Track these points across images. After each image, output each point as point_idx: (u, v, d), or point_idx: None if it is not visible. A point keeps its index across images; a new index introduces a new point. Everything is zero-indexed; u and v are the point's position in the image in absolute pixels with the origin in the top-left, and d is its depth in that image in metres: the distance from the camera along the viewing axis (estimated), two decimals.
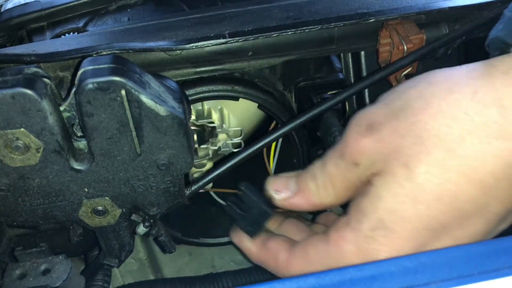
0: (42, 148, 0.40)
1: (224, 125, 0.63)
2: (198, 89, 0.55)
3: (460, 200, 0.38)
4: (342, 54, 0.61)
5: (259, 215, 0.48)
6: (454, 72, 0.41)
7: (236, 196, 0.48)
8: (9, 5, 0.72)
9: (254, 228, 0.48)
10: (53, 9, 0.67)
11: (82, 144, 0.43)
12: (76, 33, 0.63)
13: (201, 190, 0.53)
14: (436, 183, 0.38)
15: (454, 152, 0.38)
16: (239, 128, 0.64)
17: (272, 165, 0.64)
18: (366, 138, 0.41)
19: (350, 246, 0.41)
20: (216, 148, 0.65)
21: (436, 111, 0.39)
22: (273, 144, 0.63)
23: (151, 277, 0.80)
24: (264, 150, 0.63)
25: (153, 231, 0.49)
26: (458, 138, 0.38)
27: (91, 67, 0.39)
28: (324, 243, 0.43)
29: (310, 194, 0.46)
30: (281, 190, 0.47)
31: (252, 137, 0.70)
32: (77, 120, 0.42)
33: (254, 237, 0.49)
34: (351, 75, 0.62)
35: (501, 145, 0.37)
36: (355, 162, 0.42)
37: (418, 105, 0.40)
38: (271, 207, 0.48)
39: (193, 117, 0.62)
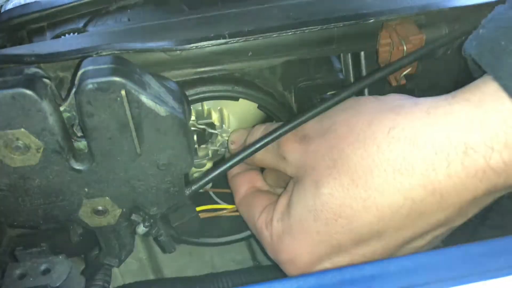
0: (42, 148, 0.40)
1: (224, 125, 0.63)
2: (198, 90, 0.55)
3: (356, 224, 0.42)
4: (342, 54, 0.61)
5: None
6: (381, 104, 0.44)
7: None
8: (9, 6, 0.72)
9: None
10: (53, 10, 0.67)
11: (82, 144, 0.43)
12: (76, 34, 0.63)
13: (201, 190, 0.53)
14: (336, 205, 0.42)
15: (359, 181, 0.41)
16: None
17: None
18: (297, 144, 0.47)
19: (267, 234, 0.49)
20: (216, 148, 0.65)
21: (353, 140, 0.42)
22: None
23: (151, 277, 0.80)
24: None
25: (153, 231, 0.49)
26: (366, 169, 0.41)
27: (91, 68, 0.39)
28: (255, 219, 0.52)
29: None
30: (236, 142, 0.58)
31: None
32: (77, 121, 0.42)
33: None
34: (351, 75, 0.62)
35: (405, 180, 0.39)
36: (283, 156, 0.49)
37: (340, 131, 0.44)
38: None
39: (193, 117, 0.62)
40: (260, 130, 0.54)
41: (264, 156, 0.52)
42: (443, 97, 0.40)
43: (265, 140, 0.49)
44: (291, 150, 0.48)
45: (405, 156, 0.39)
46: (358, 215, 0.41)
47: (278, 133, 0.49)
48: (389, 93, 0.46)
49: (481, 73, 0.39)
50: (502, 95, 0.36)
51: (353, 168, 0.41)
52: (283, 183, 0.55)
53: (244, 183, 0.58)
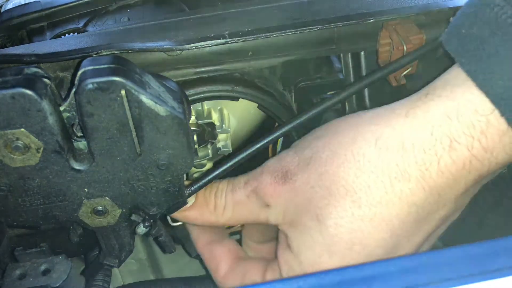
0: (42, 148, 0.40)
1: (224, 125, 0.63)
2: (198, 89, 0.55)
3: (371, 246, 0.41)
4: (342, 54, 0.61)
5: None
6: (358, 119, 0.43)
7: None
8: (9, 6, 0.72)
9: None
10: (53, 9, 0.67)
11: (82, 144, 0.43)
12: (76, 33, 0.63)
13: None
14: (346, 233, 0.40)
15: (361, 201, 0.40)
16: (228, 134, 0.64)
17: None
18: (280, 185, 0.43)
19: None
20: (216, 148, 0.65)
21: (342, 161, 0.41)
22: (278, 142, 0.63)
23: (151, 277, 0.80)
24: (270, 148, 0.63)
25: (153, 231, 0.49)
26: (364, 186, 0.40)
27: (91, 67, 0.39)
28: (259, 276, 0.48)
29: (207, 211, 0.48)
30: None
31: (252, 137, 0.70)
32: (77, 120, 0.42)
33: None
34: (351, 75, 0.62)
35: (403, 186, 0.39)
36: (267, 204, 0.45)
37: (325, 156, 0.42)
38: None
39: (193, 117, 0.62)
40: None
41: (240, 212, 0.47)
42: (415, 96, 0.41)
43: (270, 138, 0.49)
44: (275, 194, 0.44)
45: (397, 163, 0.39)
46: (370, 236, 0.40)
47: (278, 133, 0.49)
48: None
49: None
50: (470, 85, 0.37)
51: (350, 189, 0.40)
52: (268, 237, 0.53)
53: (226, 255, 0.52)
